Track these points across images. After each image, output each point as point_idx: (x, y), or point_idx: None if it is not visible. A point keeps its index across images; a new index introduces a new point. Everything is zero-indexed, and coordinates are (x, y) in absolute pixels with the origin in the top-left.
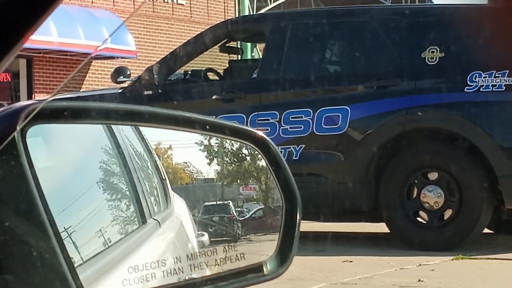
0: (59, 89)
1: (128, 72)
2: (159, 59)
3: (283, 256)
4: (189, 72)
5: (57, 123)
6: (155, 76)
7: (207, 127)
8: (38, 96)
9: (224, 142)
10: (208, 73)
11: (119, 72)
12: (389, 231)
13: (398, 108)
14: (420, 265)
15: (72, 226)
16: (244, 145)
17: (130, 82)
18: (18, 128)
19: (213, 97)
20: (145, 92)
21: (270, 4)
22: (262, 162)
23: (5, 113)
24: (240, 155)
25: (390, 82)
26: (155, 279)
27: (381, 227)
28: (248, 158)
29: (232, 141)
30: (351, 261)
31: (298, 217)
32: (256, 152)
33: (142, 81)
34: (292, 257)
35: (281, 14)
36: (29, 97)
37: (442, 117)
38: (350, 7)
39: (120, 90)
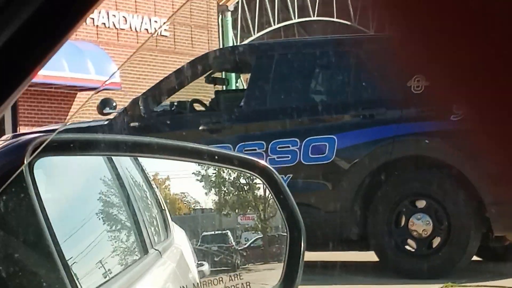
0: (65, 124)
1: (114, 104)
2: (144, 91)
3: (287, 285)
4: (175, 103)
5: (64, 155)
6: (141, 107)
7: (213, 156)
8: (23, 129)
9: (221, 172)
10: (194, 103)
11: (105, 104)
12: (378, 260)
13: (384, 137)
14: None
15: (74, 257)
16: (248, 175)
17: (116, 113)
18: (25, 162)
19: (200, 127)
20: (131, 124)
21: (254, 34)
22: (260, 192)
23: (12, 146)
24: (238, 185)
25: (376, 111)
26: None
27: (370, 256)
28: (245, 187)
29: (230, 171)
30: None
31: (302, 246)
32: (254, 182)
33: (128, 112)
34: (297, 286)
35: (266, 44)
36: (14, 130)
37: (429, 145)
38: (335, 36)
39: (106, 122)
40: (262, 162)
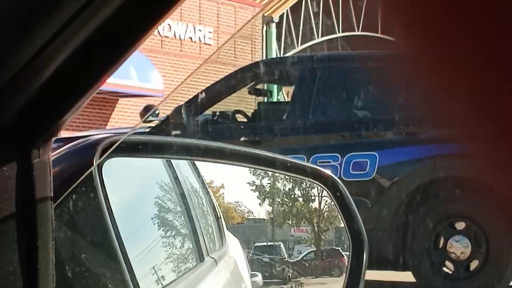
0: (136, 126)
1: (157, 112)
2: (185, 99)
3: None
4: (217, 113)
5: (134, 156)
6: (184, 116)
7: (285, 165)
8: (63, 134)
9: (276, 183)
10: (236, 114)
11: (147, 111)
12: (415, 280)
13: (426, 156)
14: None
15: (132, 261)
16: (304, 186)
17: (158, 121)
18: (95, 162)
19: (241, 138)
20: (173, 132)
21: (297, 46)
22: (315, 204)
23: (82, 146)
24: (293, 196)
25: (419, 129)
26: None
27: (407, 276)
28: (300, 199)
29: (285, 182)
30: None
31: (365, 258)
32: (309, 194)
33: (170, 120)
34: None
35: (312, 57)
36: None
37: (470, 166)
38: (379, 52)
39: (147, 129)
40: (329, 172)
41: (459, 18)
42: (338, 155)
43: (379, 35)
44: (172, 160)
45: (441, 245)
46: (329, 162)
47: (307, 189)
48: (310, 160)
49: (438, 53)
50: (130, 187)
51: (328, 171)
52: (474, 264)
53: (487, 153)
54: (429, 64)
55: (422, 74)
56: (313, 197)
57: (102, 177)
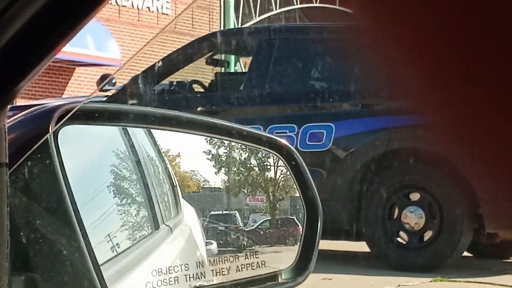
0: (92, 94)
1: (114, 80)
2: (143, 69)
3: (302, 266)
4: (174, 83)
5: (90, 124)
6: (141, 85)
7: (241, 134)
8: (19, 102)
9: (232, 152)
10: (193, 84)
11: (104, 80)
12: (369, 250)
13: (382, 127)
14: (399, 285)
15: (88, 228)
16: (260, 155)
17: (115, 90)
18: (51, 129)
19: (198, 108)
20: (130, 101)
21: (255, 18)
22: (271, 173)
23: (38, 113)
24: (248, 165)
25: (375, 101)
26: (172, 284)
27: (361, 246)
28: (256, 168)
29: (241, 151)
30: (331, 279)
31: (319, 226)
32: (265, 163)
33: (127, 90)
34: (312, 266)
35: (270, 28)
36: None
37: (425, 138)
38: (337, 24)
39: (104, 98)
40: (284, 142)
41: None
42: (295, 126)
43: (336, 7)
44: (128, 128)
45: (395, 215)
46: (286, 132)
47: (263, 158)
48: (266, 131)
49: (394, 26)
50: (86, 154)
51: (283, 140)
52: (428, 235)
53: (440, 125)
54: (385, 36)
55: (378, 46)
56: (268, 167)
57: (58, 144)
